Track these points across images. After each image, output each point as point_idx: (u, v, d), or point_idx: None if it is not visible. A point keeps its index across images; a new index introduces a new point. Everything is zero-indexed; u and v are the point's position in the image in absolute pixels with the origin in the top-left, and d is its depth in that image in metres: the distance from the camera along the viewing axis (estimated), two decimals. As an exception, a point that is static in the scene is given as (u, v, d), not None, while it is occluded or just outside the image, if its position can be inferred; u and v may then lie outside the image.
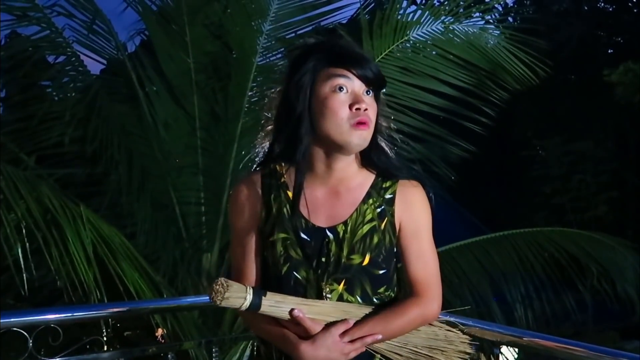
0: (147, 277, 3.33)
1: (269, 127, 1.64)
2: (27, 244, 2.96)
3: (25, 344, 2.03)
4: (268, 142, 1.63)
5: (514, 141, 13.24)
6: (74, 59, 4.62)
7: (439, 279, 1.62)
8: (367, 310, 1.54)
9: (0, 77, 4.86)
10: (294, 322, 1.49)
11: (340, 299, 1.54)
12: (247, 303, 1.46)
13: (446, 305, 1.70)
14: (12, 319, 2.03)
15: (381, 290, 1.57)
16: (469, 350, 1.68)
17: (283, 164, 1.59)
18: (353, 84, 1.50)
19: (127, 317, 4.36)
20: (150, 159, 4.55)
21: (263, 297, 1.48)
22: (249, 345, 3.43)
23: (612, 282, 4.99)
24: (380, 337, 1.52)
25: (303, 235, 1.54)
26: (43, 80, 5.00)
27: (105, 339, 3.99)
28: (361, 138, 1.50)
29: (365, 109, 1.49)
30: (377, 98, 1.55)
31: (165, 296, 3.50)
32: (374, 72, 1.52)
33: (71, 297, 3.08)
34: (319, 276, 1.53)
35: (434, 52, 4.88)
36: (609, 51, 14.36)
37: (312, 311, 1.51)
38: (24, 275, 2.95)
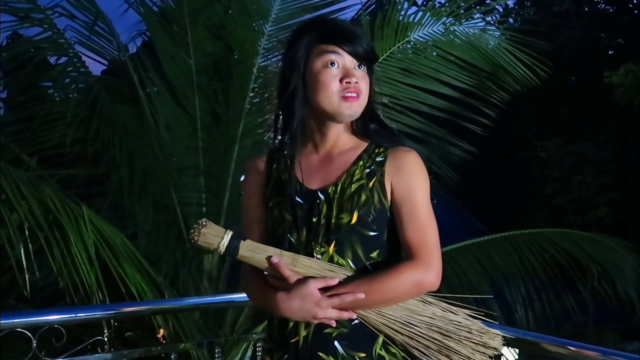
0: (148, 278, 3.34)
1: (275, 101, 1.72)
2: (30, 245, 2.97)
3: (27, 345, 2.04)
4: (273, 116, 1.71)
5: (515, 142, 13.21)
6: (75, 60, 4.64)
7: (437, 246, 1.55)
8: (354, 273, 1.53)
9: (2, 78, 4.87)
10: (277, 278, 1.53)
11: (331, 261, 1.54)
12: (224, 242, 1.49)
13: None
14: (15, 320, 2.05)
15: (373, 254, 1.56)
16: (494, 345, 1.55)
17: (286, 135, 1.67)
18: (344, 60, 1.57)
19: (128, 318, 4.37)
20: (152, 159, 4.56)
21: (242, 242, 1.52)
22: (250, 346, 3.44)
23: (612, 283, 4.98)
24: (362, 296, 1.48)
25: (297, 198, 1.59)
26: (45, 81, 5.01)
27: (106, 339, 4.00)
28: (351, 109, 1.57)
29: (356, 82, 1.56)
30: (370, 71, 1.62)
31: (166, 297, 3.51)
32: (365, 48, 1.59)
33: (73, 298, 3.09)
34: (310, 238, 1.56)
35: (434, 54, 4.89)
36: (610, 52, 14.35)
37: (294, 264, 1.51)
38: (27, 276, 2.96)
